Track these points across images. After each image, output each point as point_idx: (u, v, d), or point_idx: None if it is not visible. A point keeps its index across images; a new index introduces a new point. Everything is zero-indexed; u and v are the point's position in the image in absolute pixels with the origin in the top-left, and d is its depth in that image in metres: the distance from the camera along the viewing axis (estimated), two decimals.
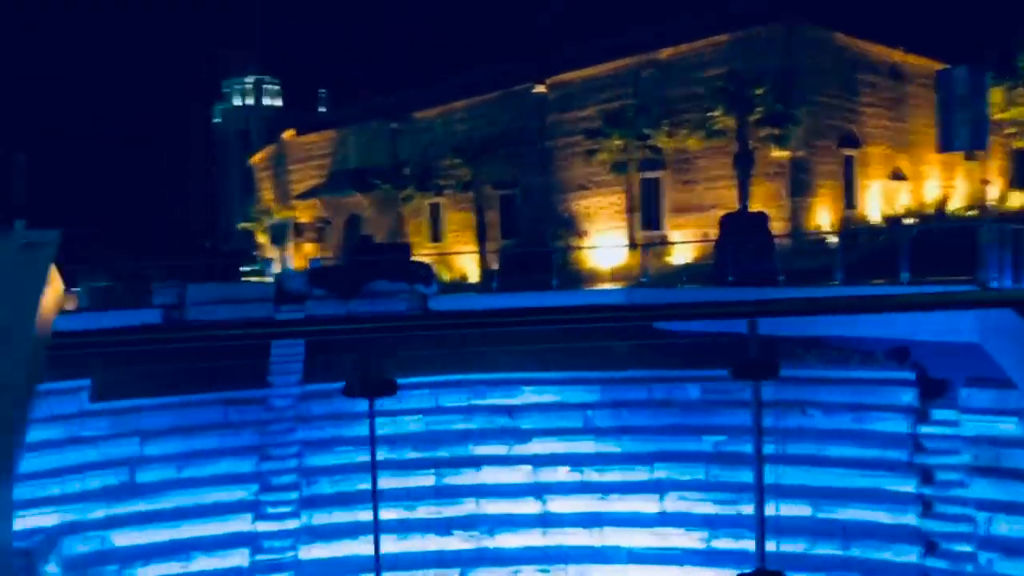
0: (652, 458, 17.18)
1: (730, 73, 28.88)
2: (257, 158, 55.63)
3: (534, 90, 36.98)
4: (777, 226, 29.61)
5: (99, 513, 15.54)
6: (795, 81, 28.52)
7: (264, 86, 67.91)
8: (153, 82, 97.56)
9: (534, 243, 36.75)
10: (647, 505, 16.36)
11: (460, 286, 33.20)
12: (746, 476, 16.48)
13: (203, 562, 15.03)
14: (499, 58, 41.86)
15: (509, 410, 18.52)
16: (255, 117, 65.28)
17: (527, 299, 23.24)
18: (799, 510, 15.69)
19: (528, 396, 18.94)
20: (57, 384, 17.71)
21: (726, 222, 21.71)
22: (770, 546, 15.20)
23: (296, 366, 19.64)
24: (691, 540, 15.59)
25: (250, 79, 67.38)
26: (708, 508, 16.14)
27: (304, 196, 48.20)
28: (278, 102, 68.20)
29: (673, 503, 16.32)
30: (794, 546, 14.92)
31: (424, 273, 23.79)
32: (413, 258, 26.00)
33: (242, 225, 52.17)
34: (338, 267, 29.56)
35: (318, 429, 18.00)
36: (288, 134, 51.10)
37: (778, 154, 29.00)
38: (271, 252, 48.64)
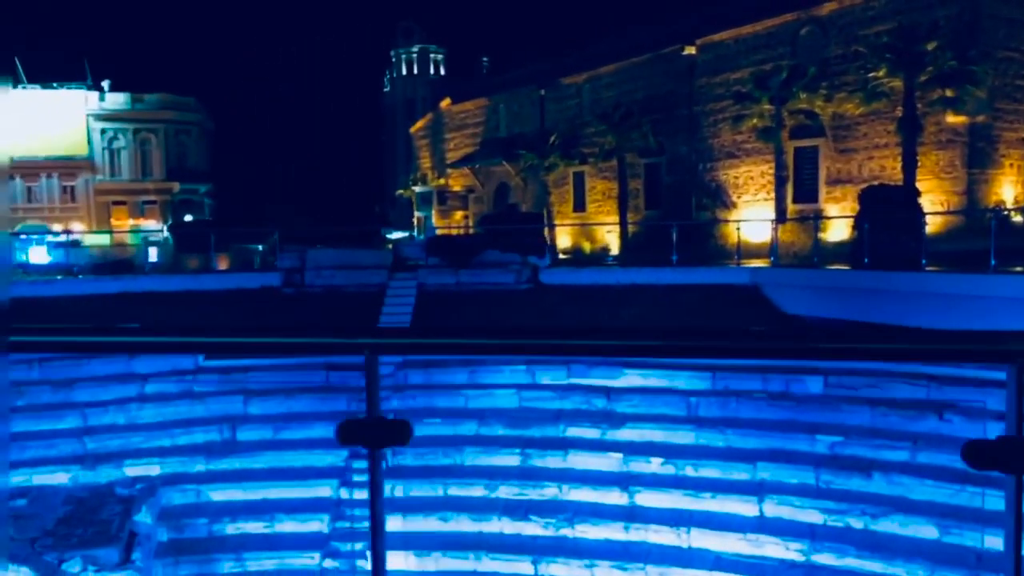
0: (756, 456, 15.55)
1: (898, 28, 25.46)
2: (417, 126, 56.88)
3: (683, 52, 34.75)
4: (950, 201, 26.06)
5: (199, 467, 16.27)
6: (976, 34, 24.66)
7: (430, 55, 69.29)
8: (337, 51, 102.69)
9: (678, 214, 34.82)
10: (744, 508, 14.82)
11: (593, 258, 32.07)
12: (862, 485, 14.55)
13: (286, 524, 15.34)
14: (650, 19, 39.72)
15: (607, 392, 17.46)
16: (420, 85, 66.84)
17: (644, 275, 21.88)
18: (926, 531, 13.58)
19: (630, 378, 17.76)
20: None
21: (866, 197, 19.11)
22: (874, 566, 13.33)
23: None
24: (788, 552, 13.95)
25: (415, 48, 68.97)
26: (813, 517, 14.36)
27: (456, 164, 48.70)
28: (442, 71, 69.34)
29: (773, 508, 14.68)
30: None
31: (538, 244, 22.98)
32: (540, 229, 25.17)
33: (400, 192, 53.66)
34: (455, 236, 29.39)
35: (411, 399, 17.85)
36: (445, 103, 51.70)
37: (953, 119, 25.33)
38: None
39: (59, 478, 15.70)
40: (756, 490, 14.99)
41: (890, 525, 13.81)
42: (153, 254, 32.26)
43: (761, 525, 14.50)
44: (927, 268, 17.03)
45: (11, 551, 12.90)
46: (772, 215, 29.74)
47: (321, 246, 29.02)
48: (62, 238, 43.16)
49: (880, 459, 14.81)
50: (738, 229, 25.16)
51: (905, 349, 1.69)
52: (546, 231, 38.12)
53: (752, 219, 28.70)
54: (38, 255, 33.51)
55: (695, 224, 32.02)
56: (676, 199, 35.98)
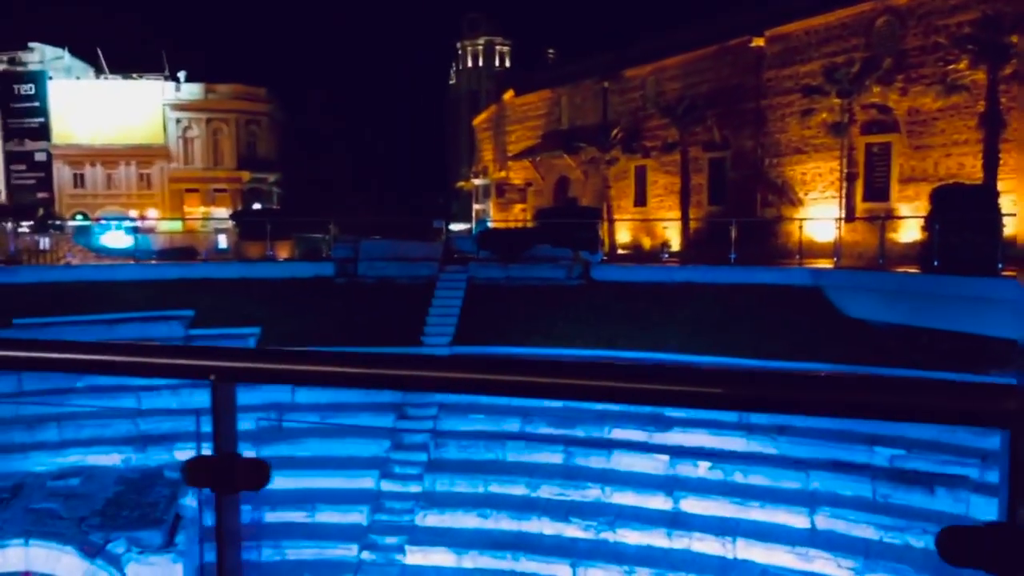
0: (809, 465, 14.86)
1: (982, 19, 23.99)
2: (480, 118, 56.73)
3: (752, 44, 33.59)
4: None
5: (246, 454, 16.37)
6: None
7: (495, 47, 69.07)
8: (405, 43, 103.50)
9: (743, 210, 33.74)
10: (794, 519, 14.18)
11: (652, 254, 31.31)
12: (924, 501, 13.74)
13: (326, 515, 15.37)
14: (718, 9, 38.57)
15: None
16: (485, 77, 66.71)
17: (701, 274, 21.19)
18: None
19: None
20: (231, 329, 19.00)
21: (939, 196, 18.00)
22: None
23: (449, 328, 19.47)
24: (840, 569, 13.27)
25: (481, 40, 68.84)
26: (867, 532, 13.65)
27: (517, 157, 48.38)
28: (508, 63, 69.04)
29: (826, 521, 14.00)
30: None
31: (592, 239, 22.49)
32: (595, 223, 24.64)
33: (459, 184, 53.68)
34: (507, 229, 29.05)
35: (453, 394, 17.67)
36: (508, 95, 51.40)
37: None
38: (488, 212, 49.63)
39: (112, 459, 16.07)
40: (808, 501, 14.34)
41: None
42: (222, 241, 32.95)
43: (812, 538, 13.84)
44: (1003, 273, 15.95)
45: (58, 530, 13.23)
46: (841, 213, 28.53)
47: (378, 237, 29.17)
48: (137, 224, 44.61)
49: (945, 474, 13.97)
50: (800, 228, 24.15)
51: (860, 402, 1.30)
52: (604, 226, 37.53)
53: (815, 217, 27.58)
54: (116, 239, 34.59)
55: (757, 222, 30.97)
56: (740, 195, 34.87)
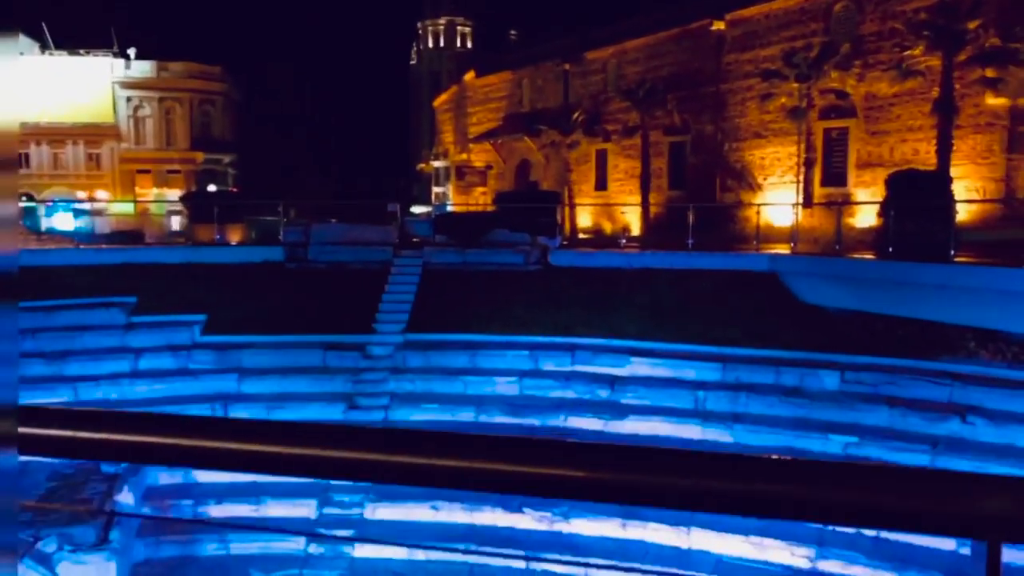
0: (764, 453, 14.72)
1: (939, 4, 24.02)
2: (440, 100, 55.96)
3: (712, 27, 33.40)
4: (987, 188, 24.72)
5: None
6: (1022, 10, 23.15)
7: (457, 27, 68.09)
8: (364, 22, 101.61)
9: (703, 195, 33.71)
10: None
11: (613, 238, 31.05)
12: None
13: (273, 508, 14.87)
14: None
15: (612, 381, 16.73)
16: (446, 58, 65.77)
17: (659, 259, 20.97)
18: (943, 541, 12.68)
19: (636, 367, 17.03)
20: (175, 316, 18.30)
21: (893, 182, 17.96)
22: None
23: (403, 315, 18.99)
24: (794, 557, 13.18)
25: (442, 20, 67.80)
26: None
27: (478, 139, 47.81)
28: (469, 44, 68.14)
29: None
30: None
31: (551, 223, 22.12)
32: (553, 208, 24.25)
33: (420, 166, 52.91)
34: (464, 213, 28.58)
35: (409, 382, 17.27)
36: (469, 76, 50.71)
37: (993, 101, 23.88)
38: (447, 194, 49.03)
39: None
40: None
41: (904, 534, 12.96)
42: (175, 223, 31.94)
43: (766, 528, 13.69)
44: (956, 259, 15.95)
45: None
46: (799, 198, 28.58)
47: (334, 220, 28.45)
48: (86, 206, 43.17)
49: (897, 462, 13.95)
50: (757, 213, 24.08)
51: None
52: (566, 210, 37.22)
53: (772, 203, 27.61)
54: (63, 221, 33.36)
55: (716, 207, 30.92)
56: (700, 179, 34.80)
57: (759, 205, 26.12)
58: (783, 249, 22.01)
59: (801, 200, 27.92)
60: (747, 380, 16.31)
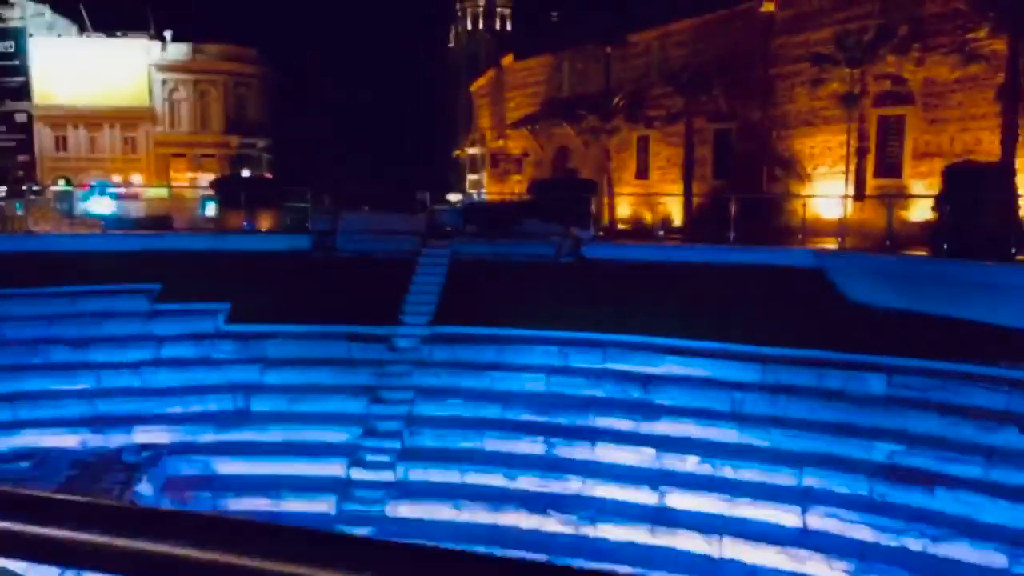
0: (804, 460, 14.33)
1: None
2: (477, 84, 55.68)
3: (761, 8, 32.57)
4: None
5: (208, 437, 15.96)
6: None
7: (496, 9, 67.66)
8: (402, 4, 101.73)
9: (749, 185, 33.00)
10: (785, 517, 13.69)
11: (653, 230, 30.56)
12: (923, 501, 13.22)
13: (291, 503, 14.90)
14: None
15: (645, 380, 16.41)
16: (484, 41, 65.43)
17: (699, 253, 20.55)
18: (995, 559, 12.19)
19: (671, 367, 16.68)
20: (199, 304, 18.43)
21: (951, 174, 17.27)
22: None
23: (430, 306, 18.89)
24: (832, 570, 12.79)
25: (481, 1, 67.43)
26: (863, 534, 13.13)
27: (516, 125, 47.46)
28: (509, 26, 67.69)
29: (819, 520, 13.49)
30: None
31: (585, 214, 21.80)
32: (588, 198, 23.90)
33: (456, 153, 52.80)
34: (495, 202, 28.35)
35: (434, 376, 17.17)
36: (507, 59, 50.34)
37: None
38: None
39: (68, 441, 15.61)
40: (801, 498, 13.82)
41: (952, 549, 12.49)
42: (210, 209, 32.27)
43: (803, 538, 13.35)
44: (1018, 258, 15.29)
45: None
46: (850, 190, 27.77)
47: (367, 208, 28.49)
48: (121, 190, 43.93)
49: (946, 473, 13.43)
50: (804, 205, 23.44)
51: None
52: (605, 199, 36.77)
53: (821, 195, 26.86)
54: (101, 205, 33.93)
55: (760, 197, 30.21)
56: (746, 169, 34.07)
57: (806, 197, 25.44)
58: (831, 244, 21.41)
59: (852, 192, 27.14)
60: (787, 382, 15.85)
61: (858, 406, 15.02)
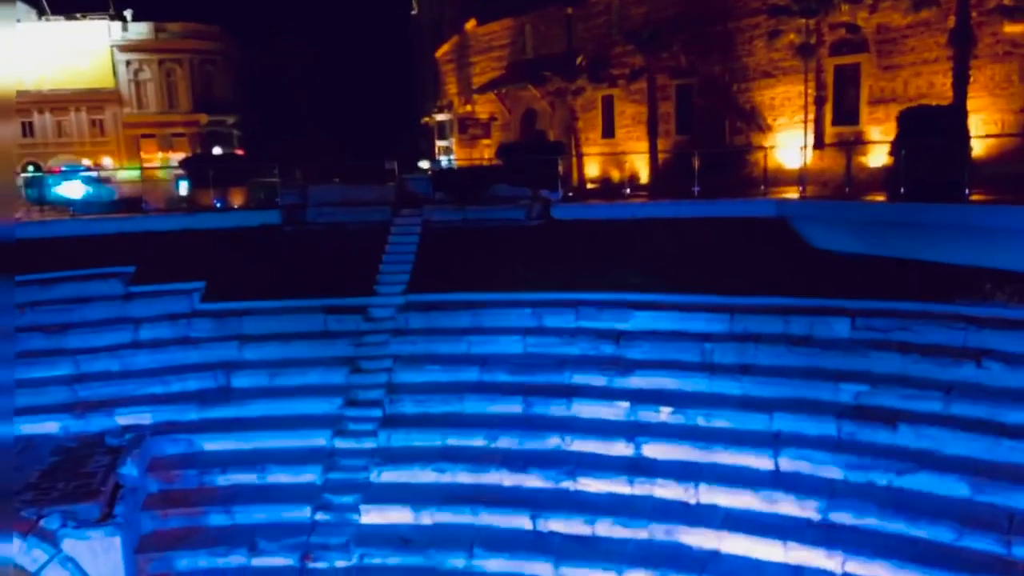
0: (773, 406, 14.41)
1: None
2: (442, 50, 54.65)
3: None
4: (1005, 121, 23.77)
5: (191, 416, 15.73)
6: None
7: None
8: None
9: (711, 139, 32.81)
10: (757, 461, 13.79)
11: (620, 187, 30.35)
12: (888, 438, 13.36)
13: (277, 475, 14.79)
14: None
15: (617, 336, 16.37)
16: (447, 6, 64.01)
17: (664, 209, 20.40)
18: (956, 489, 12.38)
19: (641, 321, 16.63)
20: (174, 284, 18.07)
21: (905, 118, 17.18)
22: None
23: (404, 276, 18.64)
24: (804, 510, 12.92)
25: None
26: (833, 473, 13.27)
27: (482, 90, 46.75)
28: None
29: (790, 463, 13.62)
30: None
31: (552, 176, 21.52)
32: (555, 160, 23.53)
33: (424, 120, 51.98)
34: (463, 169, 27.98)
35: (411, 344, 17.01)
36: (470, 24, 49.37)
37: (1011, 29, 22.80)
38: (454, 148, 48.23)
39: (50, 427, 15.32)
40: (772, 442, 13.92)
41: (917, 482, 12.66)
42: (184, 188, 31.53)
43: (776, 480, 13.47)
44: (971, 199, 15.30)
45: None
46: (809, 138, 27.68)
47: (337, 180, 27.98)
48: (92, 173, 42.87)
49: (909, 410, 13.57)
50: (765, 156, 23.32)
51: None
52: (573, 160, 36.44)
53: (781, 145, 26.76)
54: (73, 190, 33.07)
55: (723, 151, 30.05)
56: (709, 123, 33.84)
57: (767, 148, 25.30)
58: (793, 194, 21.34)
59: (812, 141, 27.05)
60: (755, 330, 15.88)
61: (824, 350, 15.09)
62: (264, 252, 19.50)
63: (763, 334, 15.73)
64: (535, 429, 15.08)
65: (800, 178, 21.71)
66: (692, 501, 13.59)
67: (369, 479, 14.66)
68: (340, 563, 13.47)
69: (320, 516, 14.12)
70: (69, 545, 12.36)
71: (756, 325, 15.95)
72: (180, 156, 52.15)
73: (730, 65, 32.28)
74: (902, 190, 16.03)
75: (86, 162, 52.94)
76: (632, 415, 15.02)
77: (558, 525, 13.62)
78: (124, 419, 15.42)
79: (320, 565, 13.48)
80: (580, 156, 36.89)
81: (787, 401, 14.45)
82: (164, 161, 52.16)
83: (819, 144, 27.92)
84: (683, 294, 16.84)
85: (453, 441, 15.13)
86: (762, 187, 22.32)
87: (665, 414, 14.91)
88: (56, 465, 13.91)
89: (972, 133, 18.58)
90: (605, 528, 13.45)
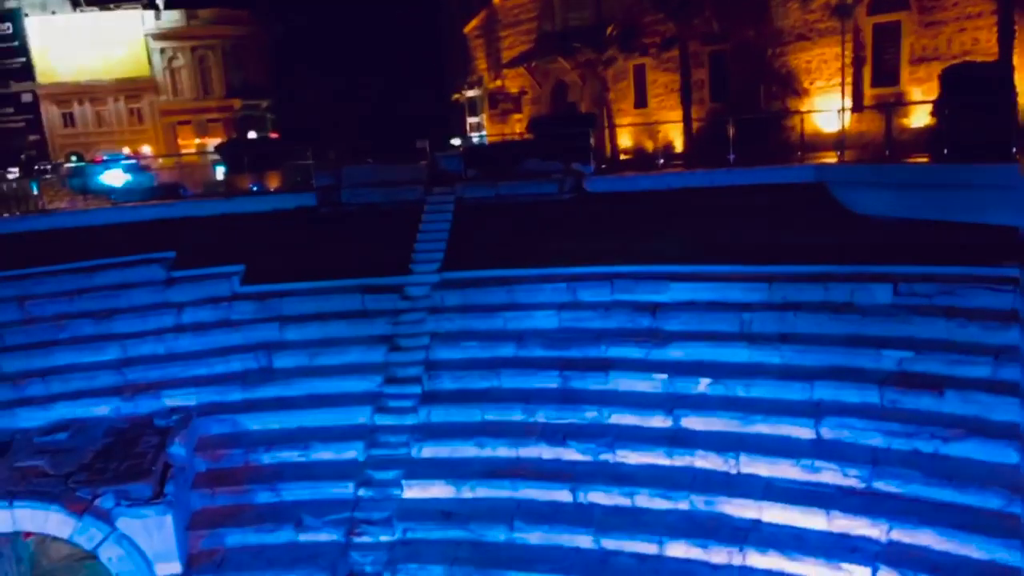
0: (814, 374, 14.22)
1: None
2: (470, 26, 54.25)
3: None
4: None
5: (235, 396, 16.06)
6: None
7: None
8: None
9: (747, 105, 32.19)
10: (799, 431, 13.64)
11: (654, 158, 30.07)
12: (934, 404, 13.11)
13: (320, 453, 15.05)
14: None
15: (653, 308, 16.26)
16: None
17: (699, 178, 20.15)
18: (1005, 456, 12.13)
19: (678, 292, 16.49)
20: (214, 268, 18.39)
21: (948, 77, 16.66)
22: None
23: (438, 254, 18.72)
24: (847, 478, 12.76)
25: None
26: (876, 441, 13.08)
27: (511, 64, 46.36)
28: None
29: (832, 431, 13.45)
30: None
31: (584, 149, 21.35)
32: (587, 132, 23.30)
33: (455, 97, 51.83)
34: (494, 144, 27.85)
35: (448, 321, 17.10)
36: None
37: None
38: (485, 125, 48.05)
39: (101, 410, 15.77)
40: (813, 411, 13.75)
41: (964, 449, 12.42)
42: (220, 173, 31.99)
43: (817, 449, 13.31)
44: (1018, 158, 14.81)
45: (45, 488, 12.98)
46: (847, 102, 27.00)
47: (371, 161, 28.09)
48: (131, 161, 43.63)
49: (955, 376, 13.28)
50: (801, 121, 22.83)
51: None
52: (606, 132, 36.12)
53: (817, 110, 26.14)
54: (115, 178, 33.75)
55: (758, 117, 29.47)
56: (744, 90, 33.18)
57: (804, 113, 24.75)
58: (831, 158, 20.90)
59: (850, 104, 26.41)
60: (795, 298, 15.63)
61: (865, 317, 14.81)
62: (301, 234, 19.72)
63: (803, 302, 15.49)
64: (573, 403, 15.10)
65: (838, 142, 21.24)
66: (732, 472, 13.51)
67: (410, 454, 14.85)
68: (384, 538, 13.70)
69: (363, 492, 14.36)
70: (124, 523, 12.77)
71: (795, 293, 15.71)
72: (216, 141, 52.82)
73: (764, 29, 31.55)
74: (945, 151, 15.59)
75: (126, 150, 53.89)
76: (670, 387, 14.94)
77: (598, 497, 13.67)
78: (171, 401, 15.80)
79: (365, 540, 13.73)
80: (612, 127, 36.53)
81: (828, 369, 14.25)
82: (200, 147, 52.87)
83: (858, 107, 27.24)
84: (720, 264, 16.64)
85: (492, 416, 15.22)
86: (799, 153, 21.89)
87: (704, 385, 14.81)
88: (109, 446, 14.33)
89: (1019, 89, 17.92)
90: (645, 500, 13.46)
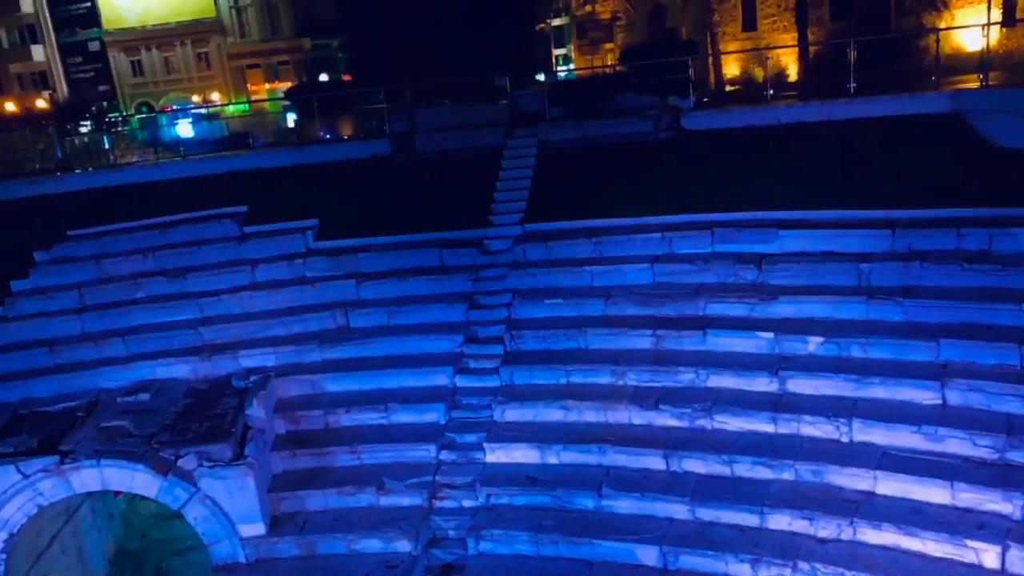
0: (942, 332, 13.93)
1: None
2: None
3: None
4: None
5: (313, 356, 16.96)
6: None
7: None
8: None
9: (873, 24, 30.93)
10: (921, 395, 13.45)
11: (759, 90, 29.23)
12: None
13: (400, 415, 15.78)
14: None
15: (759, 260, 16.17)
16: None
17: (813, 111, 19.62)
18: None
19: (787, 242, 16.33)
20: (287, 223, 19.28)
21: None
22: None
23: (520, 203, 19.03)
24: (976, 448, 12.55)
25: None
26: (1012, 407, 12.79)
27: None
28: None
29: (960, 396, 13.22)
30: None
31: (683, 81, 21.05)
32: (684, 62, 22.87)
33: (539, 26, 51.40)
34: (582, 79, 27.63)
35: (531, 277, 17.46)
36: None
37: None
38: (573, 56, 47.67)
39: (180, 370, 16.96)
40: (939, 374, 13.51)
41: None
42: (291, 120, 33.14)
43: (942, 416, 13.11)
44: None
45: (129, 448, 14.19)
46: (996, 16, 25.54)
47: (447, 101, 28.41)
48: (201, 110, 45.50)
49: None
50: (936, 41, 21.78)
51: None
52: (710, 60, 35.34)
53: (957, 26, 24.83)
54: (184, 129, 35.45)
55: (886, 38, 28.21)
56: (870, 4, 31.88)
57: (939, 30, 23.59)
58: (972, 83, 19.94)
59: (997, 17, 24.98)
60: (921, 247, 15.25)
61: (1006, 267, 14.34)
62: (375, 185, 20.35)
63: (931, 251, 15.10)
64: (666, 364, 15.28)
65: (981, 63, 20.19)
66: (844, 440, 13.48)
67: (492, 418, 15.41)
68: (466, 503, 14.38)
69: (445, 455, 15.05)
70: (206, 484, 13.87)
71: (923, 241, 15.31)
72: (286, 86, 54.30)
73: None
74: None
75: (195, 98, 56.14)
76: (776, 347, 14.92)
77: (693, 465, 13.91)
78: (248, 361, 16.84)
79: (447, 504, 14.45)
80: (717, 55, 35.74)
81: (958, 327, 13.92)
82: (271, 92, 54.45)
83: (1008, 21, 25.80)
84: (836, 209, 16.32)
85: (577, 378, 15.59)
86: (933, 78, 20.96)
87: (814, 345, 14.72)
88: (189, 407, 15.47)
89: None
90: (745, 469, 13.60)
